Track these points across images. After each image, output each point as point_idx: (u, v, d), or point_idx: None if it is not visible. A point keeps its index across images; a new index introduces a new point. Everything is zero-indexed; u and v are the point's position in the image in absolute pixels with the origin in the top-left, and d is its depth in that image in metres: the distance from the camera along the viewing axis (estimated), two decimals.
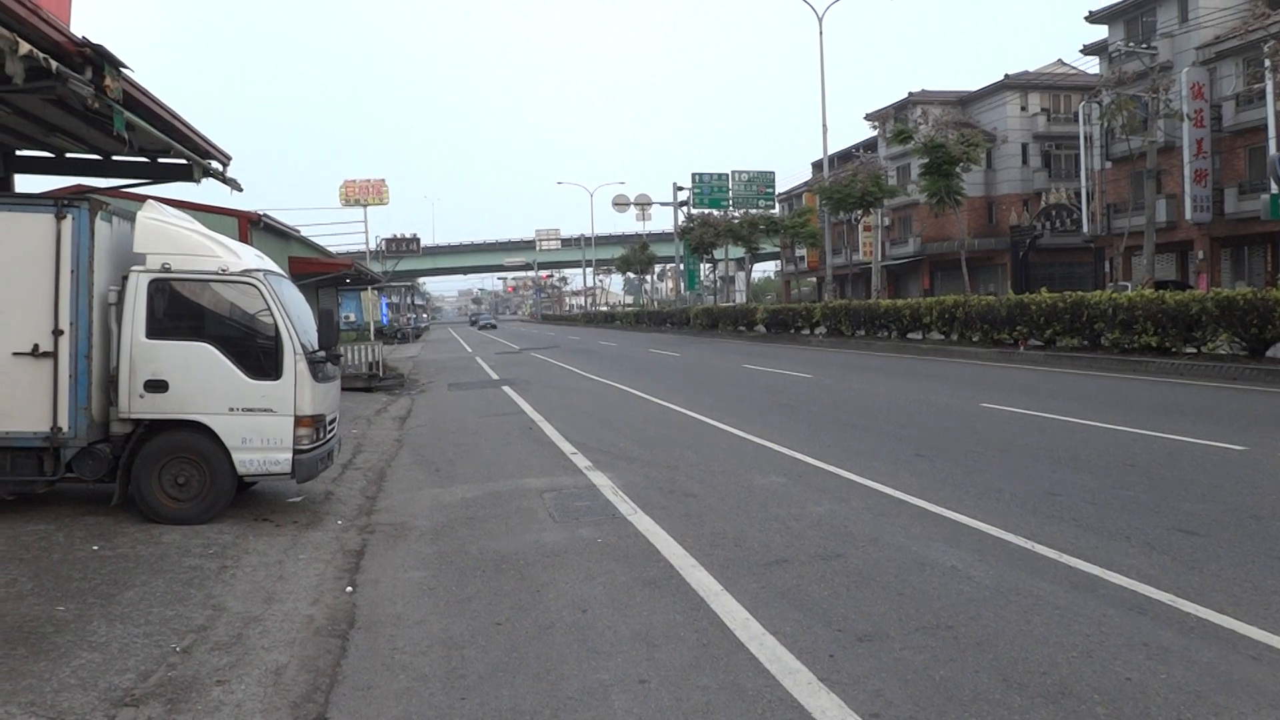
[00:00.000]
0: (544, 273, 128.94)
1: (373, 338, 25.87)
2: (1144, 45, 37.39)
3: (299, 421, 7.37)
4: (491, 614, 5.17)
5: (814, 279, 67.87)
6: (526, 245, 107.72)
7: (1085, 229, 42.41)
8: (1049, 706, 3.73)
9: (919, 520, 6.75)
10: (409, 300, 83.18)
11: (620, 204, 71.83)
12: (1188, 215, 35.44)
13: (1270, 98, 31.02)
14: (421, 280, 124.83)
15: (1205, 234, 36.00)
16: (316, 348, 7.76)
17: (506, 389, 19.10)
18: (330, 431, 8.09)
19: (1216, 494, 7.15)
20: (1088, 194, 42.15)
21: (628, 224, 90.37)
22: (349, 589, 5.77)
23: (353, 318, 50.30)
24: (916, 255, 54.58)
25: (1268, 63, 23.95)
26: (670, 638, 4.67)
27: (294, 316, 7.60)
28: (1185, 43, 36.61)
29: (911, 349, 25.97)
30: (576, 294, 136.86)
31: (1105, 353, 18.73)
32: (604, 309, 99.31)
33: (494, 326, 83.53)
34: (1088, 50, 43.61)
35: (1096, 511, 6.75)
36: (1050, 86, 51.88)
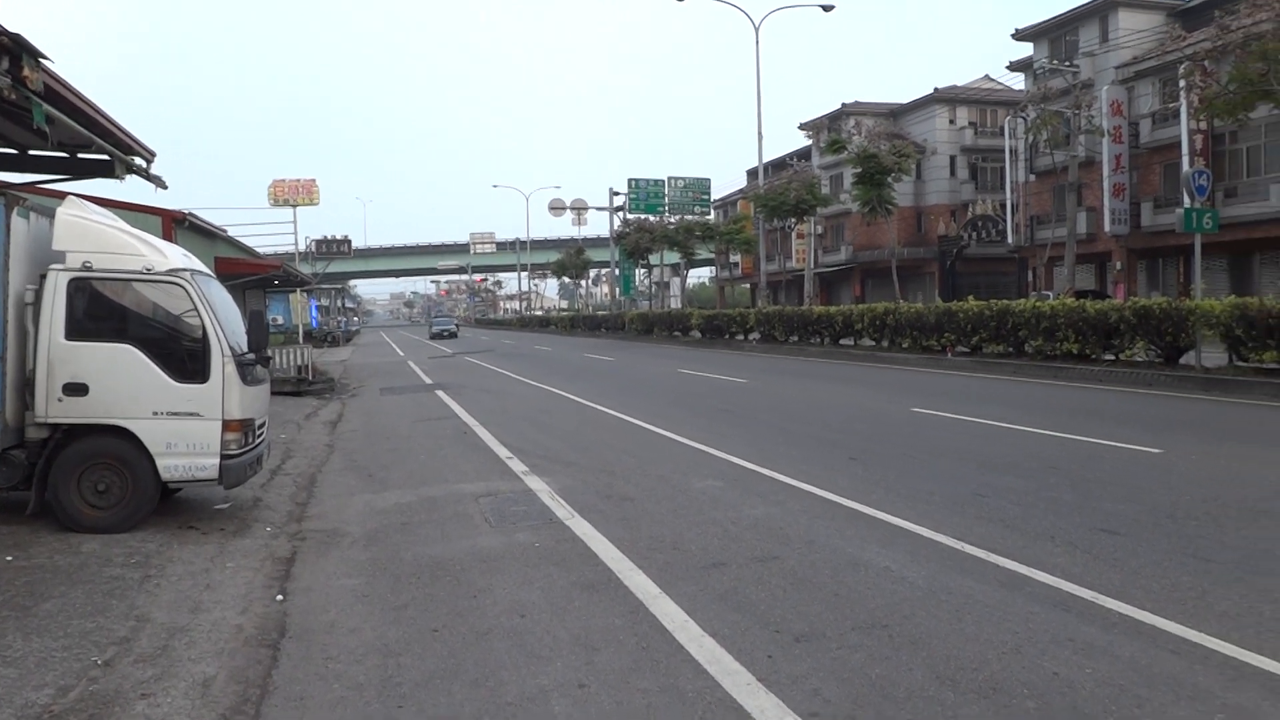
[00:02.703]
0: (478, 276, 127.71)
1: (302, 341, 25.36)
2: (1067, 63, 38.64)
3: (227, 426, 7.18)
4: (428, 620, 5.09)
5: (748, 285, 68.52)
6: (461, 248, 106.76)
7: (1010, 239, 43.62)
8: (981, 702, 3.81)
9: (853, 522, 6.85)
10: (339, 303, 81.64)
11: (556, 208, 71.73)
12: (1106, 227, 36.70)
13: (1184, 116, 32.32)
14: (352, 283, 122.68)
15: (1123, 246, 37.31)
16: (245, 350, 7.57)
17: (440, 393, 18.88)
18: (259, 436, 7.90)
19: (1135, 495, 7.41)
20: (1012, 206, 43.36)
21: (563, 228, 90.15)
22: (279, 597, 5.63)
23: (281, 320, 49.22)
24: (849, 263, 55.50)
25: (1182, 83, 24.93)
26: (610, 641, 4.66)
27: (222, 318, 7.41)
28: (1105, 62, 37.95)
29: (843, 355, 26.39)
30: (511, 298, 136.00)
31: (1029, 359, 19.27)
32: (539, 313, 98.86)
33: (454, 334, 60.85)
34: (1014, 67, 44.90)
35: (1022, 512, 6.94)
36: (978, 101, 53.35)
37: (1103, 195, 36.72)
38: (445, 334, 59.75)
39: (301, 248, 62.44)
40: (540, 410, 15.32)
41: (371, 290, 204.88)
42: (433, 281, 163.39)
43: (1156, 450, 9.36)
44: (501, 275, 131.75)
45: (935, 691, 3.93)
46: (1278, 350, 14.15)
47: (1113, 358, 17.62)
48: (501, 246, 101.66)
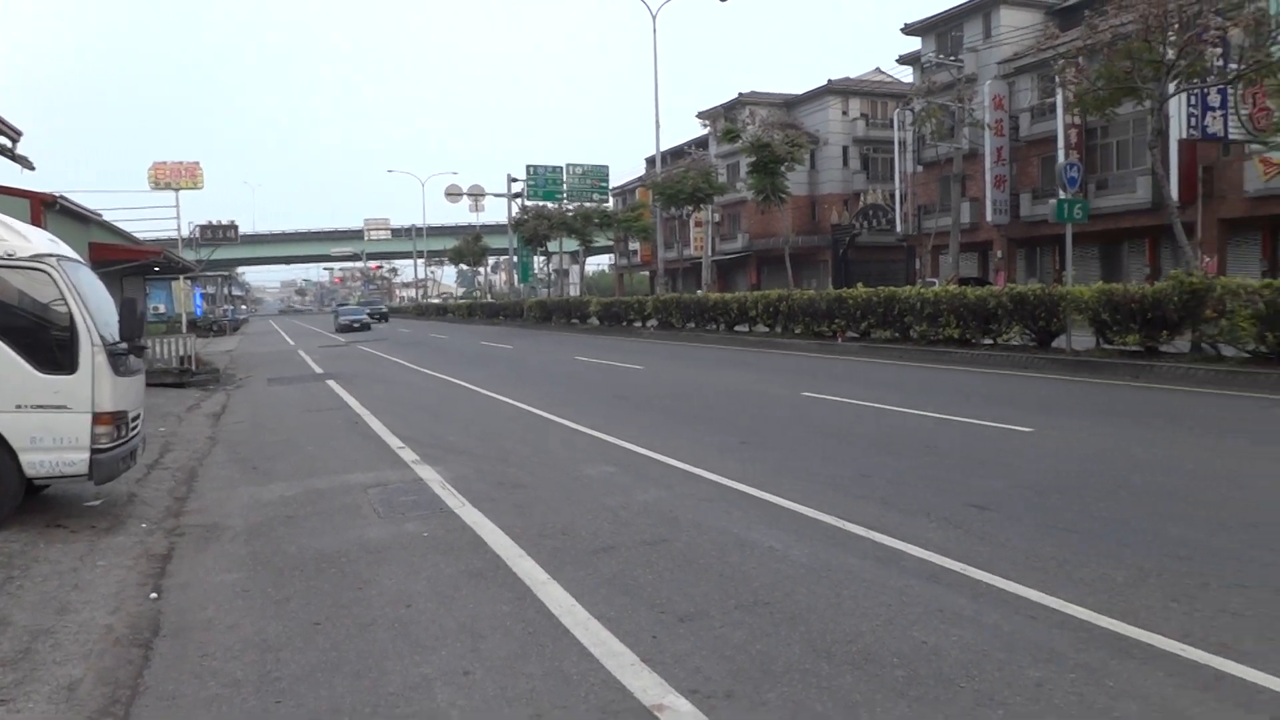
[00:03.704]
0: (373, 264, 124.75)
1: (185, 330, 24.33)
2: (952, 58, 40.02)
3: (97, 419, 6.87)
4: (310, 614, 5.00)
5: (647, 272, 68.87)
6: (355, 235, 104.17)
7: (899, 228, 45.03)
8: (854, 672, 3.97)
9: (741, 504, 7.00)
10: (226, 291, 78.67)
11: (453, 194, 70.68)
12: (988, 217, 38.23)
13: (1060, 111, 33.83)
14: (240, 270, 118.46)
15: (1003, 235, 38.94)
16: (118, 339, 7.25)
17: (331, 383, 18.43)
18: (134, 429, 7.58)
19: (1006, 472, 7.78)
20: (901, 196, 44.74)
21: (460, 215, 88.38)
22: (153, 595, 5.44)
23: (163, 309, 47.14)
24: (745, 251, 56.35)
25: (1057, 79, 26.13)
26: (496, 628, 4.66)
27: (92, 306, 7.08)
28: (989, 57, 39.43)
29: (739, 341, 26.82)
30: (407, 286, 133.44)
31: (914, 344, 19.96)
32: (436, 301, 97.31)
33: (367, 326, 49.16)
34: (903, 60, 46.26)
35: (901, 490, 7.21)
36: (869, 93, 54.79)
37: (985, 186, 38.22)
38: (357, 326, 47.80)
39: (185, 233, 59.96)
40: (435, 399, 15.13)
41: (261, 278, 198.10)
42: (326, 269, 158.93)
43: (1027, 429, 9.83)
44: (397, 262, 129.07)
45: (811, 664, 4.06)
46: (1140, 333, 15.03)
47: (991, 342, 18.41)
48: (397, 233, 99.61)
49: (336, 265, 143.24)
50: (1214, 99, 27.45)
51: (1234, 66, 18.94)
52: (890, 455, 8.69)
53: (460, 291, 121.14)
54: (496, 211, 71.45)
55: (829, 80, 54.13)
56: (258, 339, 45.63)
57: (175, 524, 7.20)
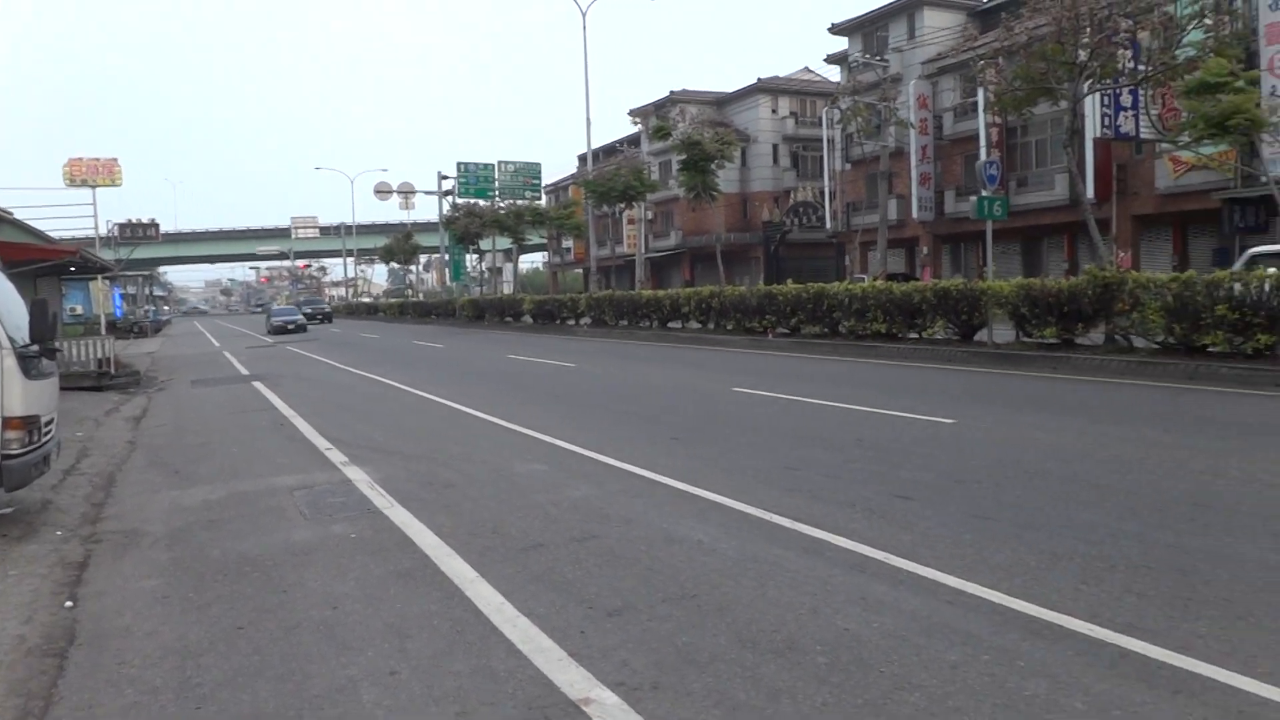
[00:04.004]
0: (301, 262, 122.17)
1: (104, 332, 23.58)
2: (878, 58, 40.75)
3: (7, 423, 6.64)
4: (233, 618, 4.91)
5: (581, 270, 68.79)
6: (282, 233, 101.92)
7: (828, 225, 45.73)
8: (777, 660, 4.05)
9: (671, 499, 7.06)
10: (148, 291, 76.31)
11: (382, 192, 69.60)
12: (915, 214, 39.08)
13: (981, 111, 34.72)
14: (162, 270, 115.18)
15: (929, 231, 39.84)
16: (29, 341, 7.02)
17: (258, 385, 18.05)
18: (47, 434, 7.34)
19: (929, 463, 7.98)
20: (830, 193, 45.45)
21: (391, 213, 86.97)
22: (69, 604, 5.28)
23: (81, 310, 45.60)
24: (678, 248, 56.65)
25: (978, 79, 26.83)
26: (423, 627, 4.64)
27: (1, 308, 6.84)
28: (913, 57, 40.28)
29: (672, 337, 26.97)
30: (337, 284, 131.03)
31: (843, 339, 20.32)
32: (366, 300, 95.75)
33: (303, 328, 44.76)
34: (831, 60, 46.96)
35: (828, 483, 7.35)
36: (798, 92, 55.50)
37: (911, 184, 39.04)
38: (292, 328, 43.54)
39: (103, 232, 58.07)
40: (364, 399, 14.92)
41: (184, 278, 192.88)
42: (252, 268, 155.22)
43: (950, 421, 10.10)
44: (326, 261, 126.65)
45: (736, 654, 4.13)
46: (1057, 327, 15.53)
47: (917, 336, 18.84)
48: (325, 231, 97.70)
49: (263, 264, 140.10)
50: (1126, 100, 28.44)
51: (1143, 68, 19.66)
52: (818, 448, 8.85)
53: (392, 290, 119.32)
54: (427, 209, 70.74)
55: (759, 79, 54.70)
56: (181, 340, 44.40)
57: (92, 531, 7.00)
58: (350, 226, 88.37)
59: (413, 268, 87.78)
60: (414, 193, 70.18)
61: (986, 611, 4.52)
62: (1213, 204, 28.01)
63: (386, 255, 78.61)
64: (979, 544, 5.59)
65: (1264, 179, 18.94)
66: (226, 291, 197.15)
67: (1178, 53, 18.50)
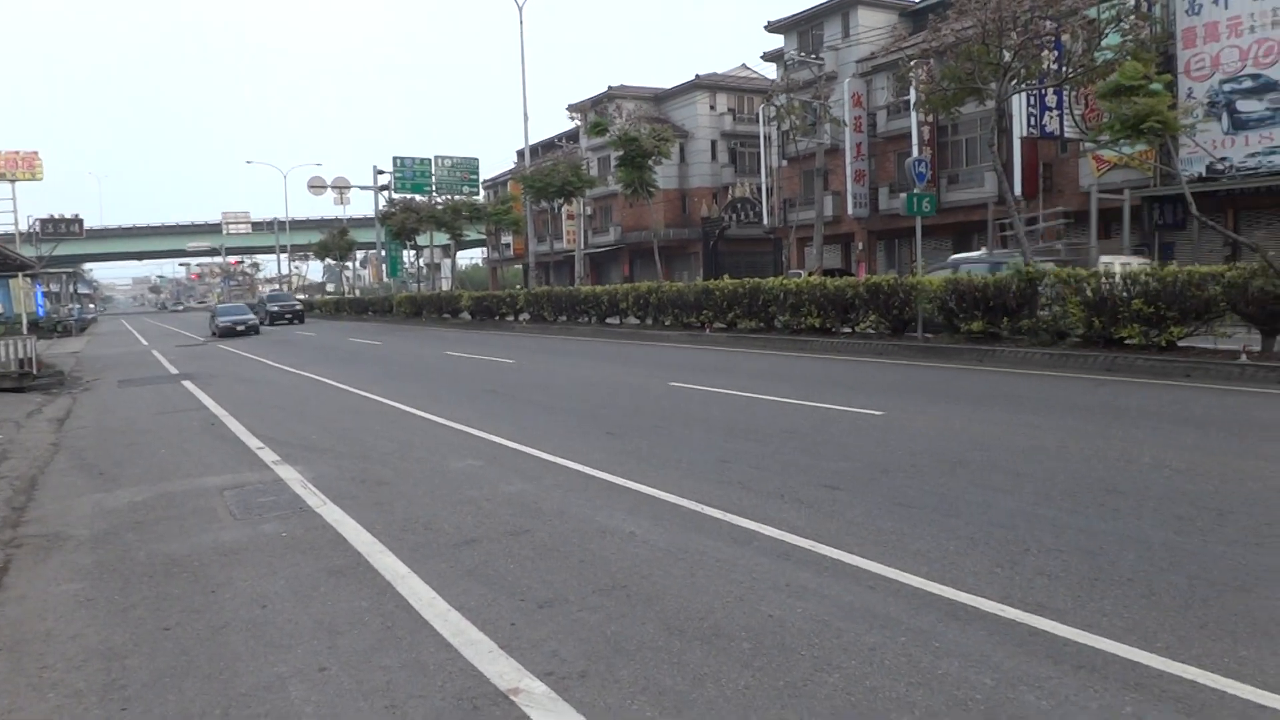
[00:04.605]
0: (233, 258, 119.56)
1: (25, 331, 22.81)
2: (814, 56, 41.26)
3: None
4: (159, 620, 4.86)
5: (521, 266, 68.47)
6: (213, 229, 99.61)
7: (766, 221, 46.19)
8: (703, 646, 4.15)
9: (605, 493, 7.14)
10: (72, 289, 73.98)
11: (317, 186, 68.46)
12: (850, 210, 39.68)
13: (913, 110, 35.40)
14: (87, 266, 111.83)
15: (864, 228, 40.49)
16: None
17: (187, 384, 17.67)
18: None
19: (857, 453, 8.18)
20: (768, 189, 45.90)
21: (325, 208, 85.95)
22: None
23: (0, 309, 44.03)
24: (617, 243, 56.72)
25: (911, 78, 27.37)
26: (354, 624, 4.65)
27: None
28: (848, 56, 40.86)
29: (610, 333, 27.04)
30: (270, 281, 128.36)
31: (779, 333, 20.60)
32: (302, 297, 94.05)
33: (255, 329, 38.98)
34: (767, 57, 47.38)
35: (759, 474, 7.50)
36: (736, 88, 55.90)
37: (846, 181, 39.63)
38: (242, 329, 37.69)
39: (23, 228, 56.19)
40: (298, 398, 14.72)
41: (111, 275, 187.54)
42: (181, 264, 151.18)
43: (879, 413, 10.35)
44: (259, 257, 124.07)
45: (664, 641, 4.23)
46: (983, 320, 15.96)
47: (850, 330, 19.20)
48: (258, 226, 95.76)
49: (193, 260, 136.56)
50: (1051, 100, 29.28)
51: (1066, 70, 20.26)
52: (751, 441, 9.01)
53: (328, 287, 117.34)
54: (363, 205, 69.75)
55: (697, 75, 54.98)
56: (108, 339, 43.17)
57: (13, 535, 6.83)
58: (284, 222, 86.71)
59: (349, 264, 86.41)
60: (349, 188, 69.16)
61: (906, 595, 4.69)
62: (1133, 201, 28.98)
63: (321, 251, 77.19)
64: (901, 531, 5.77)
65: (1176, 179, 19.65)
66: (155, 289, 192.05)
67: (1097, 55, 19.10)
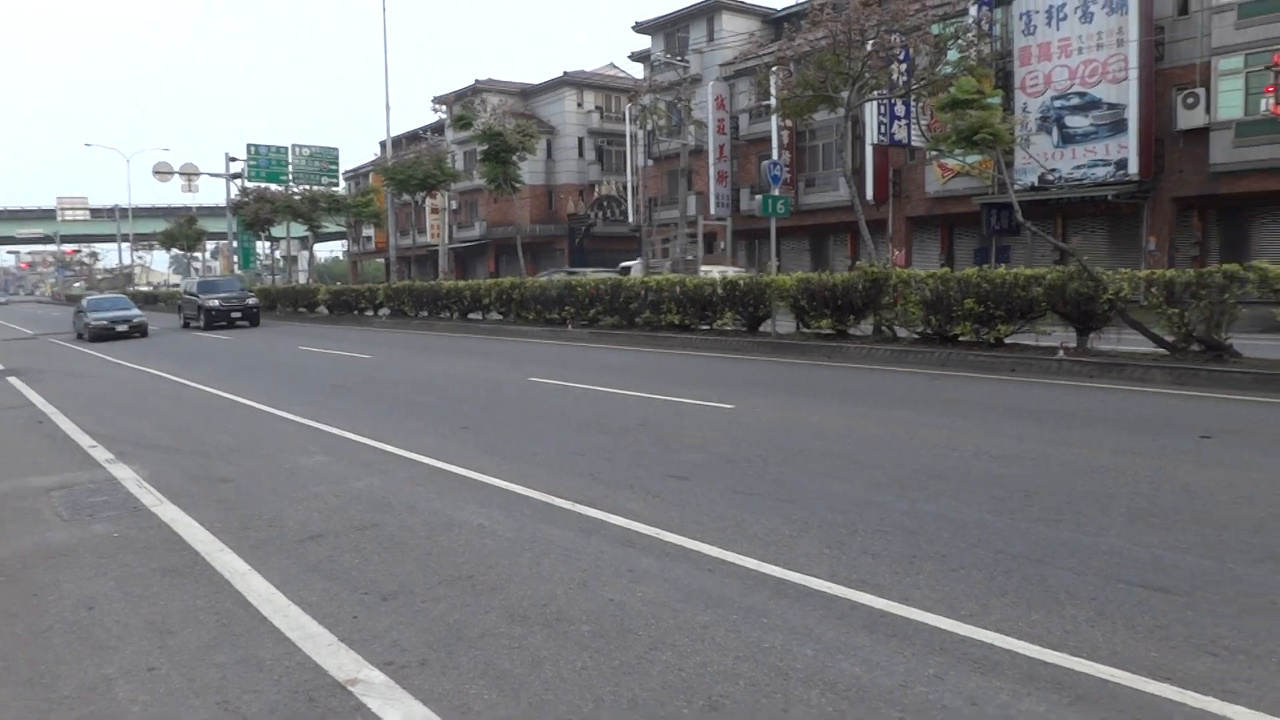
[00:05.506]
0: (69, 247, 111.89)
1: None
2: (679, 58, 41.95)
3: None
4: None
5: (383, 260, 66.85)
6: (46, 215, 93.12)
7: (631, 219, 46.68)
8: (544, 631, 4.27)
9: (456, 486, 7.16)
10: None
11: (163, 172, 64.70)
12: (713, 211, 40.56)
13: (773, 114, 36.50)
14: None
15: (726, 227, 41.45)
16: None
17: (13, 380, 16.54)
18: None
19: (706, 445, 8.47)
20: (633, 188, 46.40)
21: (173, 195, 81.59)
22: None
23: None
24: (483, 238, 56.13)
25: (770, 83, 28.26)
26: (188, 622, 4.54)
27: None
28: (713, 59, 41.75)
29: (473, 328, 26.82)
30: (110, 272, 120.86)
31: (639, 330, 20.92)
32: (145, 289, 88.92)
33: (141, 331, 29.44)
34: (635, 57, 47.92)
35: (609, 466, 7.67)
36: (603, 87, 56.18)
37: (709, 181, 40.50)
38: (123, 329, 28.83)
39: None
40: (135, 394, 14.03)
41: None
42: (10, 252, 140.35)
43: (729, 406, 10.70)
44: (98, 246, 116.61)
45: (506, 628, 4.32)
46: (832, 318, 16.68)
47: (708, 327, 19.69)
48: (97, 213, 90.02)
49: (24, 248, 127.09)
50: (900, 109, 30.75)
51: (910, 82, 21.37)
52: (604, 434, 9.18)
53: (176, 278, 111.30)
54: (214, 193, 66.55)
55: (565, 72, 54.99)
56: None
57: None
58: (126, 209, 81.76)
59: (198, 255, 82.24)
60: (198, 174, 65.66)
61: (741, 576, 4.93)
62: (974, 208, 30.79)
63: (168, 241, 73.08)
64: (740, 517, 6.04)
65: (1006, 188, 20.99)
66: None
67: (939, 69, 20.23)
